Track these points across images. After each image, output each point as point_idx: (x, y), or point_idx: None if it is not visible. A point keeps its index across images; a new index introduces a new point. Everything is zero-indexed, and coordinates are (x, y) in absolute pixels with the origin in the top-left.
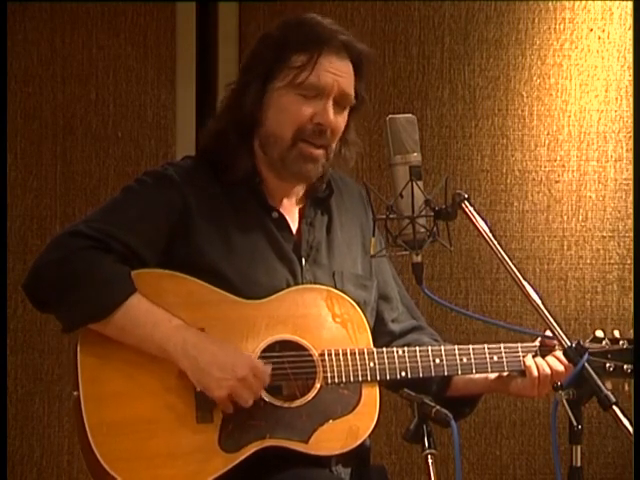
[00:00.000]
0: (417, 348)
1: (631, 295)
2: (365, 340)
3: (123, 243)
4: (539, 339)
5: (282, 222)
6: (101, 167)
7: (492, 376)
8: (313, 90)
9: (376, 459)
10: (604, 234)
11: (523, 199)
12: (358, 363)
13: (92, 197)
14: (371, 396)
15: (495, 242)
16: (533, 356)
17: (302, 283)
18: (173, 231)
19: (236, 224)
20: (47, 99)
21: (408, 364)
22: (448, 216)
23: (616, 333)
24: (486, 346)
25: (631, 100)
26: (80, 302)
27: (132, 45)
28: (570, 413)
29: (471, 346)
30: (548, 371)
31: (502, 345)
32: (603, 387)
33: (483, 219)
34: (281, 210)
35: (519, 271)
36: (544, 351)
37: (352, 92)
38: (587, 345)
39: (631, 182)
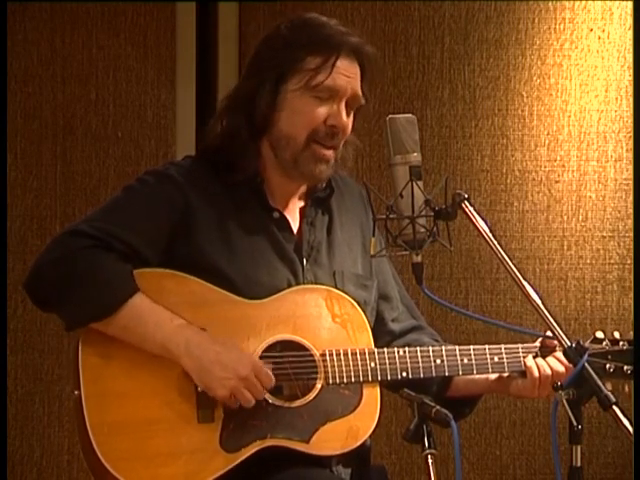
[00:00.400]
0: (418, 348)
1: (631, 295)
2: (366, 340)
3: (125, 242)
4: (540, 340)
5: (283, 222)
6: (101, 167)
7: (493, 377)
8: (327, 92)
9: (376, 459)
10: (604, 234)
11: (523, 199)
12: (359, 363)
13: (92, 197)
14: (372, 396)
15: (495, 242)
16: (534, 357)
17: (303, 283)
18: (174, 231)
19: (237, 224)
20: (47, 99)
21: (409, 364)
22: (448, 216)
23: (616, 334)
24: (487, 347)
25: (631, 100)
26: (83, 301)
27: (132, 45)
28: (570, 413)
29: (472, 347)
30: (549, 372)
31: (503, 346)
32: (603, 387)
33: (483, 219)
34: (282, 210)
35: (519, 271)
36: (545, 352)
37: (361, 94)
38: (587, 346)
39: (631, 182)
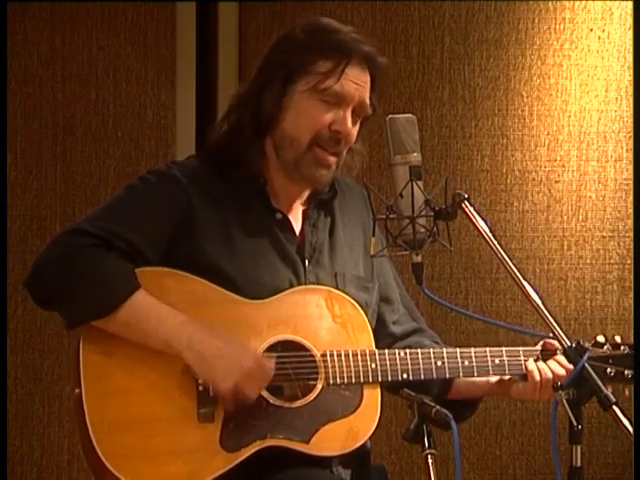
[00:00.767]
0: (419, 350)
1: (631, 295)
2: (366, 340)
3: (126, 241)
4: (541, 343)
5: (285, 223)
6: (101, 167)
7: (493, 379)
8: (335, 97)
9: (376, 459)
10: (604, 234)
11: (523, 199)
12: (360, 364)
13: (92, 197)
14: (373, 398)
15: (495, 242)
16: (535, 360)
17: (305, 284)
18: (176, 230)
19: (239, 224)
20: (47, 99)
21: (410, 366)
22: (448, 216)
23: (617, 338)
24: (488, 349)
25: (631, 100)
26: (84, 299)
27: (132, 45)
28: (570, 413)
29: (473, 349)
30: (550, 375)
31: (504, 349)
32: (603, 387)
33: (483, 219)
34: (285, 211)
35: (519, 271)
36: (546, 355)
37: (369, 103)
38: (587, 346)
39: (631, 182)
